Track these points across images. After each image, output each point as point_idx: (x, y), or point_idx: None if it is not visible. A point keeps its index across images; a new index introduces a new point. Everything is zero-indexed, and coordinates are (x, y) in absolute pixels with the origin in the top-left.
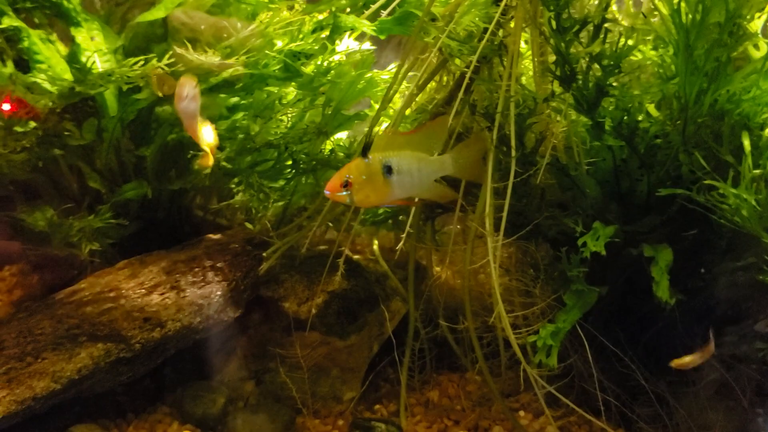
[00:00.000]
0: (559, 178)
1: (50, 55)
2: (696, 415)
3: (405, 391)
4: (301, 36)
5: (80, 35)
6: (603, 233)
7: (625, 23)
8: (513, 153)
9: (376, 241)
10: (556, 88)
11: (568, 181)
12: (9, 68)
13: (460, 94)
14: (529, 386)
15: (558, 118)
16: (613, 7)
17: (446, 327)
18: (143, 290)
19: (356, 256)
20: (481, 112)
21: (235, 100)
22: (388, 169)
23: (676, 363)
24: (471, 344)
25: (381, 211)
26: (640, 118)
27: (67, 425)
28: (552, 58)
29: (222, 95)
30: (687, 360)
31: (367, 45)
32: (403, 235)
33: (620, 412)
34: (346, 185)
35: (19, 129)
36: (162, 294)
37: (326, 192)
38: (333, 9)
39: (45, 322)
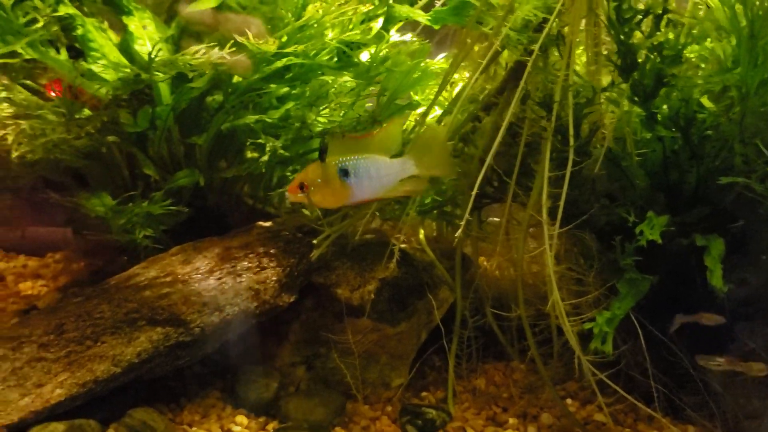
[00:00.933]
0: (609, 169)
1: (104, 43)
2: (743, 404)
3: (453, 378)
4: (351, 26)
5: (132, 24)
6: (657, 222)
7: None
8: (571, 142)
9: (422, 231)
10: (609, 79)
11: (618, 171)
12: (63, 55)
13: (522, 83)
14: (575, 375)
15: (612, 109)
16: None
17: (492, 316)
18: (199, 275)
19: (402, 245)
20: (537, 101)
21: (285, 89)
22: (344, 173)
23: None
24: (516, 333)
25: (428, 200)
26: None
27: (124, 409)
28: (605, 49)
29: (272, 85)
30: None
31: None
32: (461, 223)
33: (668, 400)
34: (302, 188)
35: (80, 116)
36: (219, 279)
37: (286, 193)
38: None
39: (103, 306)
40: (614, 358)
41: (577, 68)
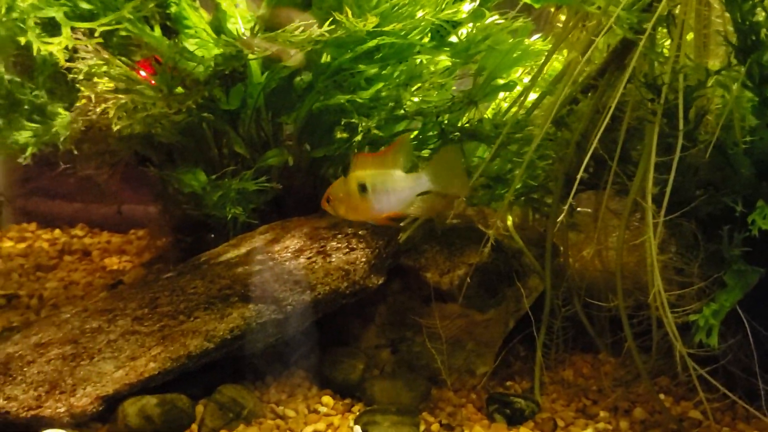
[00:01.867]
0: (713, 156)
1: (197, 21)
2: None
3: (540, 368)
4: (443, 5)
5: (224, 2)
6: None
7: None
8: (680, 126)
9: (510, 218)
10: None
11: (722, 159)
12: (157, 32)
13: (633, 63)
14: (668, 370)
15: (720, 93)
16: None
17: (581, 307)
18: (289, 254)
19: (489, 231)
20: (646, 83)
21: (374, 69)
22: (362, 188)
23: None
24: (606, 325)
25: (518, 186)
26: None
27: (213, 385)
28: (718, 30)
29: (362, 66)
30: None
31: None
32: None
33: None
34: (329, 200)
35: (180, 90)
36: (309, 258)
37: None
38: None
39: (197, 281)
40: (716, 353)
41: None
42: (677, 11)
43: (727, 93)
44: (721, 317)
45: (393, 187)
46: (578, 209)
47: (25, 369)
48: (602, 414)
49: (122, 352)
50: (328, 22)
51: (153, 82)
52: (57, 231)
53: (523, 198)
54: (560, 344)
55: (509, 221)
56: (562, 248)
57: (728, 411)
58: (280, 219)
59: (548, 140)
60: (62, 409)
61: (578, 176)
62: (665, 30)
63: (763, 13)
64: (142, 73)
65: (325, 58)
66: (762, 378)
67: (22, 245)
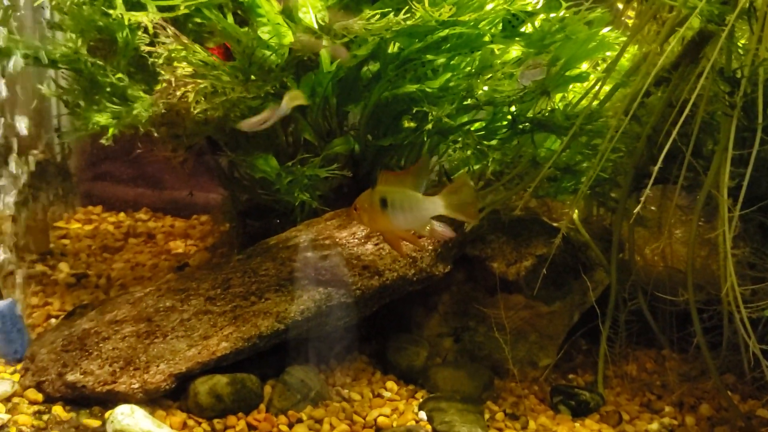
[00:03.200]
0: None
1: (269, 10)
2: None
3: (603, 362)
4: None
5: None
6: None
7: None
8: (759, 120)
9: (576, 211)
10: None
11: None
12: (230, 19)
13: (713, 55)
14: (734, 368)
15: None
16: None
17: (645, 302)
18: (356, 240)
19: (560, 223)
20: (724, 76)
21: (442, 59)
22: (383, 203)
23: None
24: (669, 321)
25: (584, 178)
26: None
27: (281, 367)
28: None
29: (429, 56)
30: None
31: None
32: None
33: None
34: (356, 209)
35: (254, 78)
36: (376, 245)
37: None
38: None
39: (268, 263)
40: None
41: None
42: (759, 3)
43: None
44: None
45: (410, 206)
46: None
47: (100, 345)
48: (667, 409)
49: (195, 331)
50: (403, 11)
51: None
52: (122, 214)
53: (588, 191)
54: (624, 339)
55: (575, 214)
56: (627, 243)
57: None
58: (344, 207)
59: (620, 133)
60: (136, 385)
61: (654, 169)
62: (744, 23)
63: None
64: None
65: (393, 48)
66: None
67: (89, 227)
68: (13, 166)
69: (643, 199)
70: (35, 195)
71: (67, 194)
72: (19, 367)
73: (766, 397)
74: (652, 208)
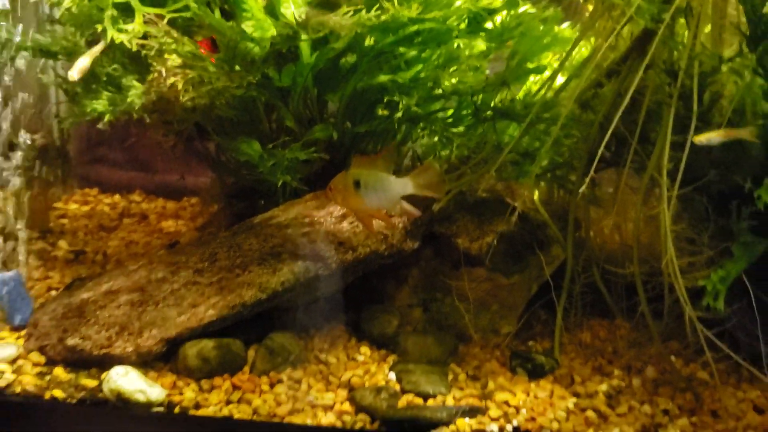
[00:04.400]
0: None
1: (253, 5)
2: None
3: (560, 330)
4: None
5: None
6: None
7: None
8: (695, 108)
9: (537, 192)
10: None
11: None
12: (217, 15)
13: (652, 50)
14: (678, 335)
15: (734, 79)
16: None
17: (599, 275)
18: (333, 219)
19: (516, 203)
20: (664, 69)
21: (413, 52)
22: (357, 184)
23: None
24: (621, 293)
25: (544, 163)
26: None
27: (264, 333)
28: (731, 22)
29: (402, 48)
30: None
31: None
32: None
33: None
34: (330, 190)
35: (238, 68)
36: (351, 223)
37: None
38: None
39: (251, 239)
40: (722, 318)
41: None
42: (695, 3)
43: (739, 79)
44: (728, 283)
45: (381, 187)
46: (599, 186)
47: (97, 313)
48: (616, 372)
49: (184, 300)
50: (375, 8)
51: (213, 59)
52: (117, 196)
53: (548, 174)
54: (579, 309)
55: (536, 196)
56: (583, 222)
57: (734, 373)
58: (323, 188)
59: (574, 120)
60: (130, 349)
61: (598, 153)
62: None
63: None
64: (202, 51)
65: (369, 41)
66: (765, 342)
67: (86, 208)
68: (18, 153)
69: (587, 180)
70: (35, 176)
71: (65, 177)
72: (23, 333)
73: (701, 359)
74: (609, 189)
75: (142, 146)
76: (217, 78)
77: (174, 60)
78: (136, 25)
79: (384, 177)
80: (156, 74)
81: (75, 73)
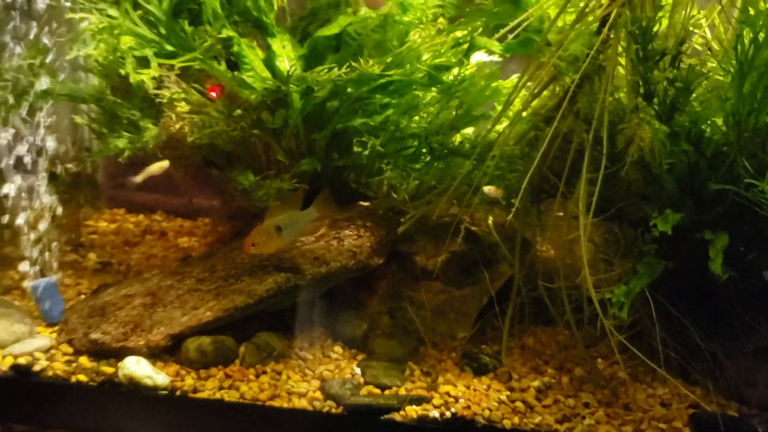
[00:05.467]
0: (643, 174)
1: (253, 59)
2: (744, 373)
3: (506, 335)
4: (442, 50)
5: (275, 44)
6: (672, 218)
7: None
8: (604, 151)
9: (491, 218)
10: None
11: (650, 176)
12: (223, 66)
13: (564, 104)
14: (605, 339)
15: (645, 126)
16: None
17: (543, 288)
18: (313, 238)
19: (474, 228)
20: (582, 117)
21: (387, 100)
22: (278, 229)
23: None
24: (562, 303)
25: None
26: (706, 128)
27: (253, 332)
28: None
29: (378, 95)
30: None
31: (495, 57)
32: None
33: (680, 366)
34: (254, 245)
35: (237, 113)
36: (327, 242)
37: (245, 249)
38: (470, 29)
39: (243, 255)
40: (635, 328)
41: (621, 94)
42: (607, 64)
43: (646, 126)
44: (631, 297)
45: (296, 223)
46: (545, 213)
47: (116, 312)
48: (550, 371)
49: (187, 304)
50: (345, 66)
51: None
52: (141, 216)
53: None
54: (527, 318)
55: (490, 220)
56: (530, 242)
57: (649, 374)
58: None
59: (517, 158)
60: (142, 343)
61: (524, 184)
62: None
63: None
64: (213, 94)
65: (350, 89)
66: (673, 348)
67: (114, 225)
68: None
69: (513, 209)
70: (69, 199)
71: (95, 199)
72: (56, 328)
73: (611, 359)
74: (560, 214)
75: (163, 173)
76: (216, 123)
77: (182, 106)
78: (151, 71)
79: (294, 214)
80: (167, 118)
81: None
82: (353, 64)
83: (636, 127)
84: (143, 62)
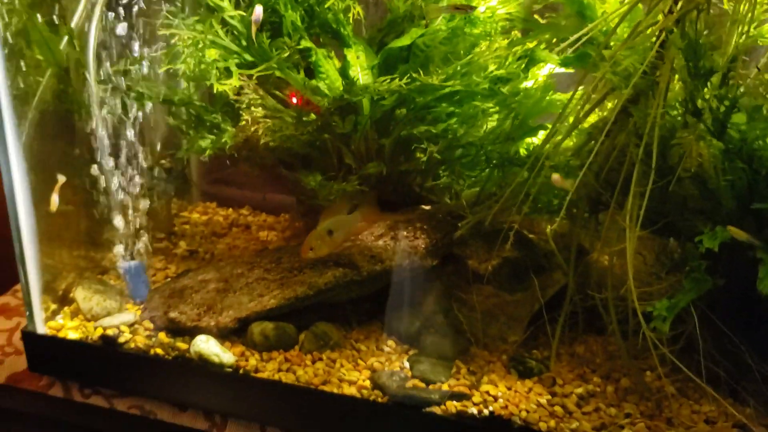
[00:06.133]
0: (700, 190)
1: (329, 68)
2: None
3: (557, 341)
4: (507, 63)
5: (350, 54)
6: (721, 235)
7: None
8: (653, 165)
9: (549, 226)
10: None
11: (708, 192)
12: (301, 75)
13: (611, 118)
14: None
15: (701, 142)
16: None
17: (597, 298)
18: (373, 237)
19: (532, 236)
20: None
21: (451, 109)
22: (329, 232)
23: None
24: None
25: (556, 202)
26: (759, 145)
27: (314, 321)
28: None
29: (444, 104)
30: None
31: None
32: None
33: (730, 386)
34: (312, 249)
35: (306, 119)
36: (385, 241)
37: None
38: (536, 43)
39: None
40: (686, 343)
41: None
42: (661, 80)
43: (703, 142)
44: (675, 312)
45: (343, 226)
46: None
47: (193, 295)
48: (596, 379)
49: (254, 291)
50: (406, 77)
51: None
52: (230, 210)
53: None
54: (579, 326)
55: (548, 229)
56: (587, 253)
57: (698, 390)
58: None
59: (576, 169)
60: (212, 323)
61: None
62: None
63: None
64: (294, 100)
65: (416, 97)
66: (722, 366)
67: (205, 217)
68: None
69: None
70: (162, 192)
71: (186, 192)
72: (141, 306)
73: (671, 376)
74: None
75: (252, 172)
76: (287, 126)
77: (259, 111)
78: (233, 81)
79: (342, 218)
80: (244, 122)
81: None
82: (413, 74)
83: (690, 142)
84: (227, 72)
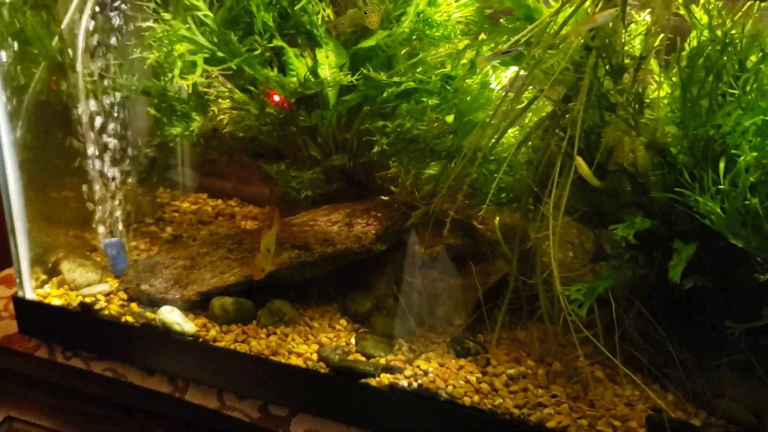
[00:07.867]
0: (632, 184)
1: (299, 66)
2: (716, 385)
3: (499, 325)
4: (456, 63)
5: (320, 54)
6: (639, 224)
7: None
8: (575, 156)
9: (497, 217)
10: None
11: (638, 186)
12: (267, 70)
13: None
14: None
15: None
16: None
17: (541, 286)
18: (329, 223)
19: (480, 226)
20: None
21: (405, 105)
22: (268, 251)
23: None
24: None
25: (504, 195)
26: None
27: (270, 298)
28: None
29: (399, 101)
30: None
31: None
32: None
33: (654, 373)
34: (262, 270)
35: (270, 110)
36: (339, 227)
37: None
38: (492, 45)
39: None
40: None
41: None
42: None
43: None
44: (592, 297)
45: (272, 240)
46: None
47: (163, 271)
48: (529, 362)
49: (217, 268)
50: (357, 74)
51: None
52: (219, 201)
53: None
54: (522, 312)
55: (496, 220)
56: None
57: (626, 376)
58: (342, 202)
59: (517, 164)
60: (177, 296)
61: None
62: None
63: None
64: (276, 98)
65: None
66: (647, 353)
67: (194, 207)
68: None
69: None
70: (147, 179)
71: (175, 183)
72: (118, 279)
73: (580, 351)
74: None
75: (239, 165)
76: (248, 118)
77: (226, 103)
78: (194, 76)
79: (271, 235)
80: (211, 113)
81: None
82: (363, 71)
83: (615, 137)
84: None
